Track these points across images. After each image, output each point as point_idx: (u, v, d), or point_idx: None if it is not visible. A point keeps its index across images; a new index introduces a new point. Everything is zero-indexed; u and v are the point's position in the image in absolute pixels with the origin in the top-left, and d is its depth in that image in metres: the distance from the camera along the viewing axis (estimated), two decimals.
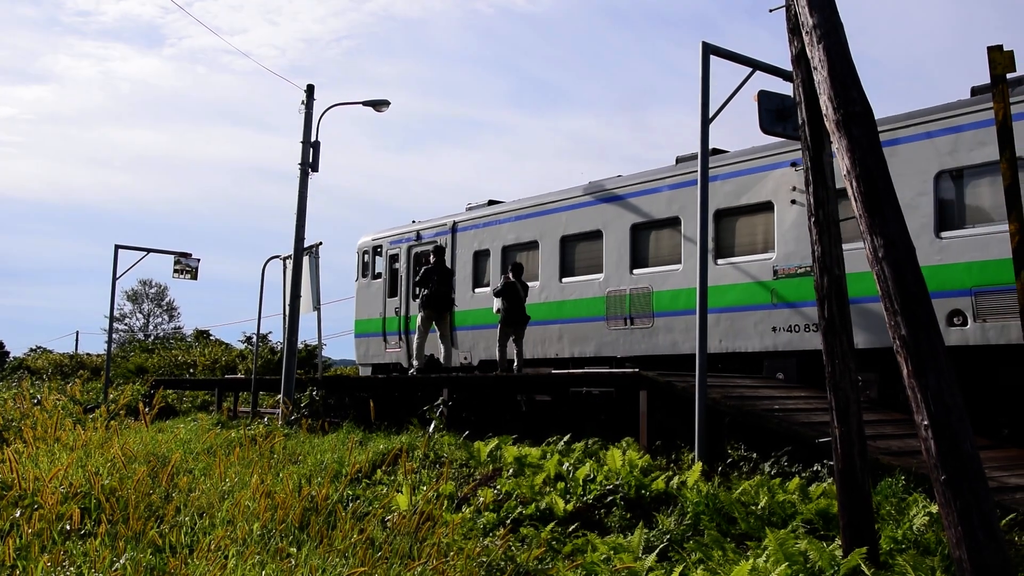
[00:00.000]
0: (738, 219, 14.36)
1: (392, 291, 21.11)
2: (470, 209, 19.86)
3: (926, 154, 12.10)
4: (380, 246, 21.75)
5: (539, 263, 17.64)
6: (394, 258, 21.24)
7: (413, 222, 21.18)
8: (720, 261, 14.40)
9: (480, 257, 18.93)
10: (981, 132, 11.51)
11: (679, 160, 15.76)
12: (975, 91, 12.15)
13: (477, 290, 18.94)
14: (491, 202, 19.74)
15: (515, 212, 18.41)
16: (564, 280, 16.96)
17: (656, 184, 15.63)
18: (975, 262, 11.45)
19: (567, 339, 16.64)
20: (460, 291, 19.06)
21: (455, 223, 19.66)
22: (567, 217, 17.06)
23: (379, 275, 21.68)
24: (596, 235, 16.52)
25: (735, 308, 14.13)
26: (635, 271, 15.76)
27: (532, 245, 17.84)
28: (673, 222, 15.30)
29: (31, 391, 21.75)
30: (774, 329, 13.62)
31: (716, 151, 14.94)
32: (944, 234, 11.89)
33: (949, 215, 11.96)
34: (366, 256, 22.19)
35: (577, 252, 16.55)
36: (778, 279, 13.64)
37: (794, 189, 13.47)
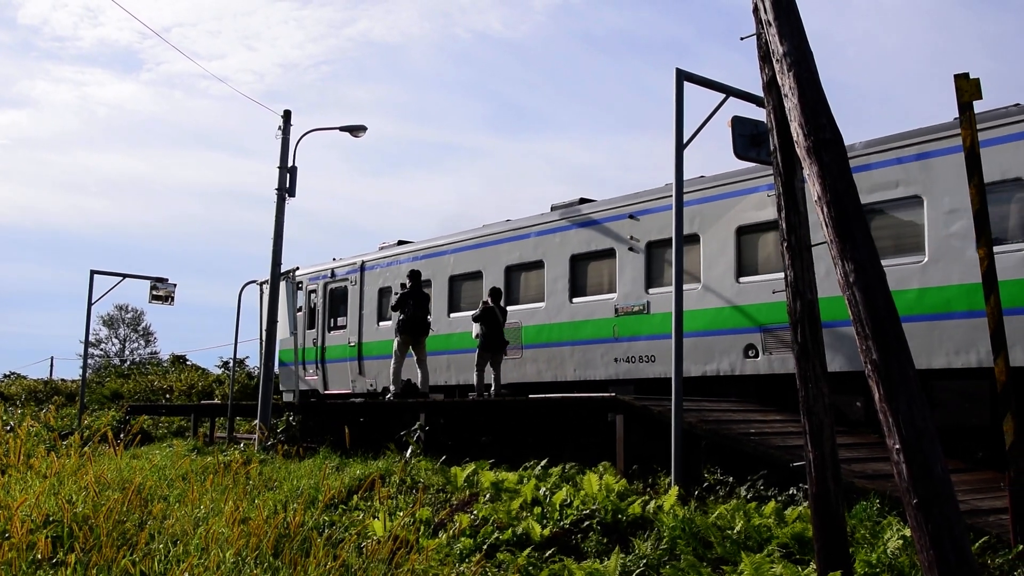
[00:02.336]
0: (589, 263, 16.14)
1: (311, 324, 22.52)
2: (382, 248, 21.20)
3: (730, 212, 14.00)
4: (301, 282, 22.76)
5: (432, 300, 18.83)
6: (313, 293, 22.63)
7: (333, 260, 22.50)
8: (575, 300, 16.19)
9: (383, 294, 20.31)
10: (768, 195, 13.22)
11: (553, 208, 17.31)
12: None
13: (381, 324, 20.32)
14: (400, 242, 21.06)
15: (412, 253, 19.92)
16: (451, 315, 18.50)
17: (526, 231, 17.31)
18: (764, 303, 13.14)
19: (454, 368, 18.20)
20: (367, 325, 20.77)
21: (363, 262, 21.15)
22: (455, 259, 18.60)
23: (299, 309, 22.66)
24: (477, 275, 18.14)
25: (587, 341, 15.86)
26: (508, 308, 16.92)
27: (426, 284, 18.86)
28: (539, 265, 16.96)
29: (4, 417, 21.48)
30: (616, 360, 15.20)
31: (583, 200, 16.92)
32: (742, 279, 13.69)
33: (747, 262, 13.70)
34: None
35: (463, 290, 18.01)
36: (618, 316, 15.31)
37: (631, 238, 15.31)
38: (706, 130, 11.35)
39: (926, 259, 11.85)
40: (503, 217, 18.52)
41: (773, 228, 13.01)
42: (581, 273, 16.12)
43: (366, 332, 20.74)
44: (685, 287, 13.38)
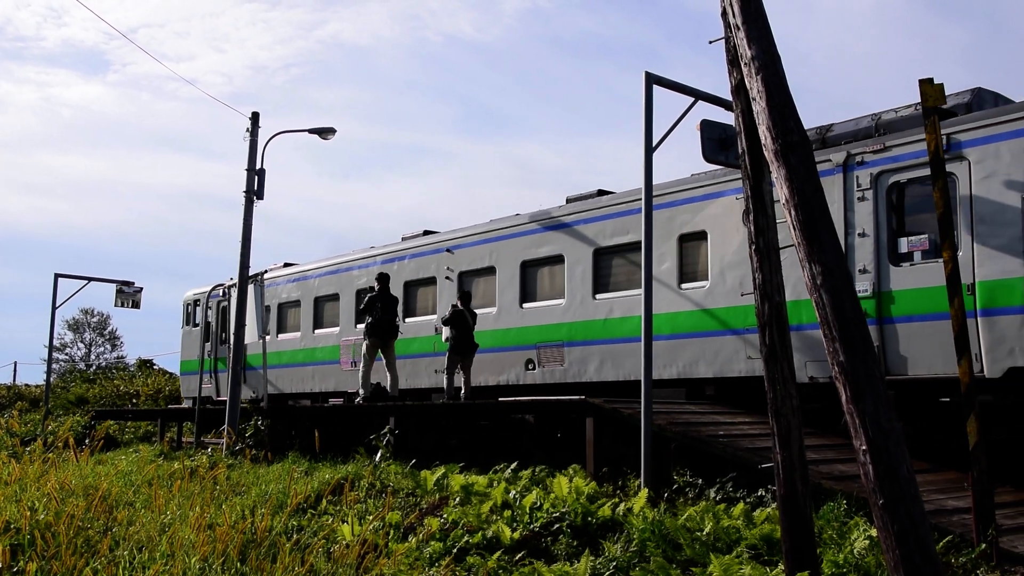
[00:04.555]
0: (418, 289, 18.63)
1: (206, 337, 24.71)
2: (270, 270, 23.25)
3: (517, 248, 16.42)
4: (198, 300, 25.39)
5: (300, 318, 21.59)
6: (209, 310, 24.96)
7: (230, 279, 24.10)
8: (408, 320, 18.45)
9: (266, 311, 22.03)
10: (542, 235, 16.01)
11: (403, 238, 19.79)
12: (569, 200, 16.28)
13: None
14: (286, 264, 23.46)
15: (286, 276, 22.50)
16: (316, 332, 20.92)
17: (374, 259, 19.73)
18: (539, 325, 15.64)
19: (316, 377, 20.56)
20: (248, 339, 22.08)
21: None
22: (318, 282, 21.07)
23: (197, 324, 25.31)
24: (335, 297, 20.52)
25: (416, 355, 18.16)
26: (358, 326, 19.06)
27: (297, 303, 21.88)
28: (337, 297, 19.87)
29: None
30: (435, 371, 17.21)
31: (428, 232, 19.33)
32: (525, 304, 16.17)
33: (529, 291, 16.20)
34: (189, 308, 25.94)
35: (325, 310, 20.63)
36: (437, 334, 17.30)
37: (447, 268, 17.68)
38: (675, 133, 11.40)
39: (642, 292, 13.63)
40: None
41: (546, 263, 16.02)
42: (412, 297, 18.62)
43: (248, 346, 22.68)
44: (486, 310, 16.70)
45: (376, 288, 16.42)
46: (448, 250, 17.82)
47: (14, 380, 51.11)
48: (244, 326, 17.95)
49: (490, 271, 16.96)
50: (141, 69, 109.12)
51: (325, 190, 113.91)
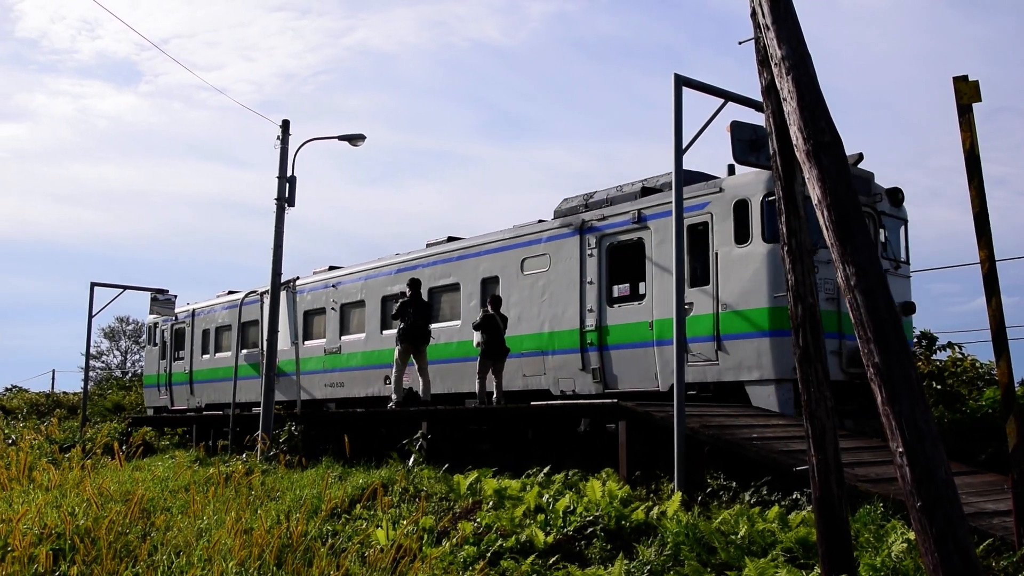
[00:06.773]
0: (314, 317, 22.35)
1: (163, 355, 29.17)
2: (218, 297, 27.42)
3: (378, 285, 19.97)
4: (158, 323, 29.63)
5: (231, 340, 24.93)
6: (164, 332, 29.25)
7: (188, 304, 28.63)
8: (307, 343, 21.82)
9: (206, 334, 26.95)
10: (396, 276, 19.54)
11: (314, 272, 22.99)
12: (428, 244, 19.52)
13: (204, 355, 26.97)
14: (230, 292, 26.97)
15: (216, 305, 26.71)
16: (242, 351, 24.25)
17: (253, 299, 23.06)
18: (389, 349, 17.70)
19: (243, 389, 23.14)
20: (196, 357, 27.20)
21: (194, 310, 27.90)
22: (245, 310, 24.05)
23: (157, 344, 29.83)
24: (255, 323, 23.63)
25: (310, 372, 21.60)
26: (243, 351, 23.53)
27: (227, 327, 25.78)
28: (257, 323, 22.84)
29: (6, 431, 21.51)
30: (325, 385, 21.30)
31: (332, 267, 22.62)
32: (384, 331, 19.49)
33: (386, 321, 19.30)
34: (151, 329, 30.46)
35: (249, 334, 24.35)
36: (326, 355, 21.32)
37: (333, 301, 21.33)
38: (703, 135, 11.34)
39: (460, 323, 17.84)
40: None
41: (398, 298, 17.99)
42: (308, 324, 22.18)
43: (195, 363, 27.17)
44: (357, 336, 20.40)
45: (408, 293, 16.46)
46: (333, 286, 21.49)
47: (52, 388, 51.93)
48: (277, 332, 18.06)
49: (361, 304, 20.51)
50: (173, 79, 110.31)
51: (351, 196, 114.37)
